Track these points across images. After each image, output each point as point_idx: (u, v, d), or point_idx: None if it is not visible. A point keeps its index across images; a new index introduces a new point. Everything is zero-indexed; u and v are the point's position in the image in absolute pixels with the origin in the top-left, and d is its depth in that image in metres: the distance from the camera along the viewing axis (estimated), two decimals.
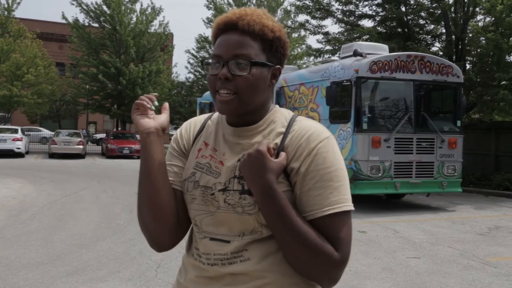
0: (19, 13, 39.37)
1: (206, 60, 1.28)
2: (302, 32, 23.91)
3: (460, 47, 15.29)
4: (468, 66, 15.64)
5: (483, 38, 13.63)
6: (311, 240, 1.14)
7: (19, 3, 30.61)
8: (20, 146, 23.71)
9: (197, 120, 1.42)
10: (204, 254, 1.24)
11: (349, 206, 1.20)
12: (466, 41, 15.18)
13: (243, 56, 1.21)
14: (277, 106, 1.34)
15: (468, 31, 14.84)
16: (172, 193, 1.28)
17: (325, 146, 1.21)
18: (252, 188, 1.17)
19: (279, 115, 1.30)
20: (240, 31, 1.22)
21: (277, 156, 1.21)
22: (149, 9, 29.71)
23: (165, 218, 1.26)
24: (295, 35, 30.01)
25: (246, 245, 1.21)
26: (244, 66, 1.20)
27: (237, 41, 1.22)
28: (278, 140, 1.24)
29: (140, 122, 1.29)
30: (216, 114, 1.39)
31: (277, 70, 1.29)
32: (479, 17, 15.74)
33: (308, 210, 1.18)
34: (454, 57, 14.88)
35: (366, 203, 10.80)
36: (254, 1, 31.27)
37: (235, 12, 1.26)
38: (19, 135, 24.12)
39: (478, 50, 14.89)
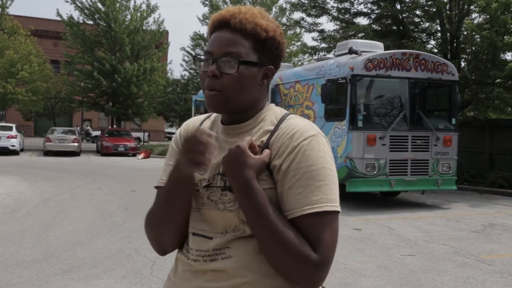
0: (13, 10, 39.10)
1: (198, 56, 1.29)
2: (297, 30, 23.93)
3: (455, 45, 15.33)
4: (463, 64, 15.69)
5: (478, 36, 13.67)
6: (287, 239, 1.11)
7: (13, 0, 30.43)
8: (14, 143, 23.61)
9: (196, 120, 1.43)
10: (191, 249, 1.25)
11: (332, 206, 1.15)
12: (461, 39, 15.22)
13: (232, 54, 1.21)
14: (271, 104, 1.33)
15: (463, 29, 14.89)
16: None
17: (310, 144, 1.18)
18: (231, 183, 1.17)
19: (270, 113, 1.29)
20: (232, 29, 1.22)
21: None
22: (144, 6, 29.64)
23: (181, 232, 1.30)
24: (290, 32, 30.01)
25: (228, 242, 1.20)
26: (233, 64, 1.20)
27: (228, 39, 1.22)
28: (264, 138, 1.24)
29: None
30: (214, 114, 1.39)
31: (269, 70, 1.27)
32: (474, 15, 15.80)
33: (288, 209, 1.16)
34: (449, 55, 14.92)
35: (361, 200, 10.83)
36: None
37: (229, 10, 1.26)
38: (13, 132, 24.01)
39: (473, 48, 14.94)
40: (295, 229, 1.13)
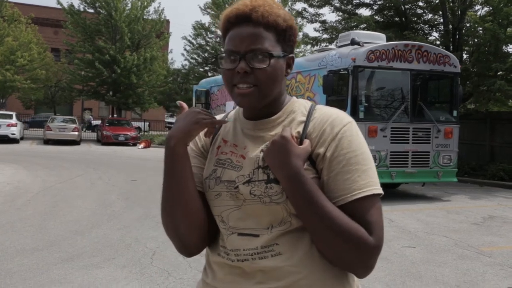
0: None
1: (220, 55, 1.25)
2: (299, 21, 23.76)
3: (457, 37, 15.25)
4: (465, 56, 15.63)
5: (481, 28, 13.60)
6: (343, 225, 1.10)
7: None
8: (14, 131, 23.62)
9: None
10: (233, 250, 1.21)
11: (379, 189, 1.17)
12: (463, 31, 15.14)
13: (260, 49, 1.19)
14: (294, 97, 1.33)
15: (466, 21, 14.80)
16: (201, 197, 1.25)
17: (349, 130, 1.19)
18: (278, 175, 1.14)
19: (298, 105, 1.29)
20: (254, 23, 1.20)
21: (300, 144, 1.18)
22: None
23: (199, 223, 1.23)
24: None
25: (276, 238, 1.17)
26: (263, 59, 1.19)
27: (253, 34, 1.19)
28: (300, 129, 1.23)
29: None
30: (232, 112, 1.37)
31: (291, 59, 1.28)
32: (476, 7, 15.70)
33: (337, 195, 1.15)
34: (451, 47, 14.85)
35: None
36: None
37: (246, 3, 1.22)
38: (13, 120, 24.00)
39: (476, 40, 14.87)
40: (346, 214, 1.13)
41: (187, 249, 1.26)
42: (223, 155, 1.27)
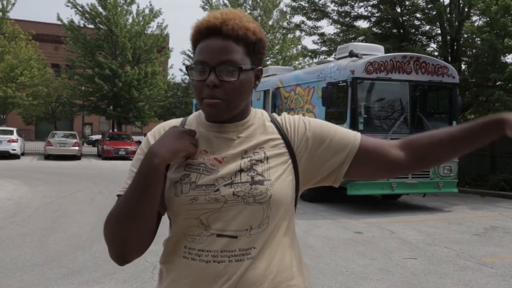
0: (13, 14, 39.22)
1: (190, 66, 1.26)
2: (298, 33, 23.93)
3: (455, 47, 15.34)
4: (463, 67, 15.70)
5: (478, 39, 13.68)
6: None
7: (13, 4, 30.50)
8: (15, 147, 23.61)
9: (170, 125, 1.36)
10: (210, 251, 1.22)
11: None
12: (461, 41, 15.24)
13: (230, 62, 1.20)
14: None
15: (463, 32, 14.90)
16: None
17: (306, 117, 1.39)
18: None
19: (259, 111, 1.38)
20: (224, 36, 1.21)
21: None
22: (147, 11, 29.69)
23: (148, 239, 1.24)
24: (290, 35, 30.04)
25: (254, 241, 1.21)
26: (233, 72, 1.20)
27: (222, 47, 1.21)
28: (270, 127, 1.33)
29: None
30: (191, 119, 1.37)
31: (259, 71, 1.30)
32: (474, 18, 15.81)
33: (347, 150, 1.30)
34: (449, 58, 14.92)
35: (362, 204, 10.81)
36: (250, 2, 31.27)
37: (217, 16, 1.24)
38: (14, 136, 24.02)
39: (474, 51, 14.96)
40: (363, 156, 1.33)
41: (125, 260, 1.25)
42: (193, 160, 1.27)
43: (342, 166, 1.30)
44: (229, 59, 1.20)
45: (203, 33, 1.24)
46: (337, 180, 1.33)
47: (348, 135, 1.32)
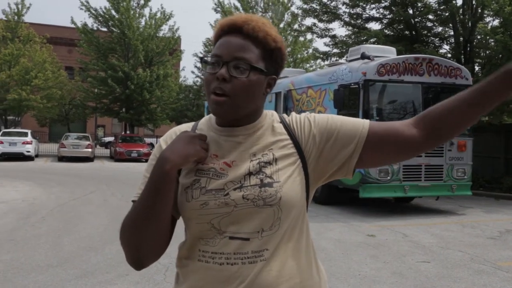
0: (28, 17, 39.73)
1: (205, 58, 1.28)
2: (309, 36, 23.89)
3: (468, 49, 15.20)
4: (477, 68, 15.56)
5: (492, 40, 13.55)
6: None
7: (28, 8, 30.90)
8: (30, 149, 23.89)
9: (182, 130, 1.37)
10: (224, 254, 1.22)
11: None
12: (474, 43, 15.10)
13: (243, 59, 1.22)
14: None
15: (477, 33, 14.76)
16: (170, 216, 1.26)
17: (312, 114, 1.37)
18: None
19: (269, 113, 1.37)
20: (244, 35, 1.24)
21: None
22: (159, 14, 29.87)
23: (164, 243, 1.26)
24: (301, 38, 30.00)
25: (266, 243, 1.22)
26: (243, 70, 1.22)
27: (240, 44, 1.23)
28: (278, 125, 1.33)
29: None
30: (202, 123, 1.38)
31: (272, 80, 1.30)
32: (487, 19, 15.66)
33: (356, 139, 1.28)
34: (462, 59, 14.79)
35: (375, 206, 10.76)
36: (261, 5, 31.32)
37: (241, 16, 1.27)
38: (29, 138, 24.30)
39: (487, 52, 14.81)
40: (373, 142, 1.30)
41: (141, 265, 1.27)
42: (203, 165, 1.28)
43: (351, 158, 1.28)
44: (243, 57, 1.22)
45: (225, 30, 1.26)
46: (349, 172, 1.31)
47: (355, 125, 1.29)
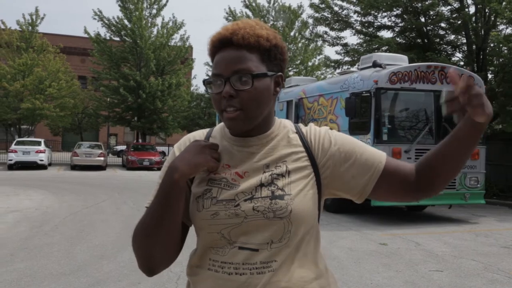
0: (42, 28, 40.30)
1: (207, 80, 1.27)
2: (319, 43, 23.86)
3: (481, 57, 15.11)
4: (490, 76, 15.44)
5: (505, 48, 13.46)
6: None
7: (42, 18, 31.36)
8: (43, 158, 24.13)
9: (195, 137, 1.38)
10: (232, 264, 1.23)
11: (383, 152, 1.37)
12: (487, 51, 15.00)
13: (243, 70, 1.21)
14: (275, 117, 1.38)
15: (490, 41, 14.67)
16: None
17: (332, 130, 1.36)
18: (484, 119, 1.18)
19: (284, 121, 1.37)
20: (236, 46, 1.22)
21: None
22: (171, 23, 30.13)
23: (175, 251, 1.27)
24: (312, 45, 30.03)
25: (275, 255, 1.22)
26: (246, 80, 1.21)
27: (235, 57, 1.22)
28: (294, 136, 1.32)
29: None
30: (216, 131, 1.39)
31: (279, 78, 1.29)
32: (500, 26, 15.57)
33: (373, 169, 1.29)
34: (475, 67, 14.70)
35: (387, 215, 10.68)
36: (273, 13, 31.46)
37: (227, 27, 1.25)
38: (42, 147, 24.55)
39: (500, 60, 14.70)
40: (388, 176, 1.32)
41: (153, 272, 1.29)
42: (216, 175, 1.28)
43: (367, 187, 1.30)
44: (241, 68, 1.21)
45: (217, 46, 1.26)
46: (361, 198, 1.34)
47: (374, 156, 1.31)
